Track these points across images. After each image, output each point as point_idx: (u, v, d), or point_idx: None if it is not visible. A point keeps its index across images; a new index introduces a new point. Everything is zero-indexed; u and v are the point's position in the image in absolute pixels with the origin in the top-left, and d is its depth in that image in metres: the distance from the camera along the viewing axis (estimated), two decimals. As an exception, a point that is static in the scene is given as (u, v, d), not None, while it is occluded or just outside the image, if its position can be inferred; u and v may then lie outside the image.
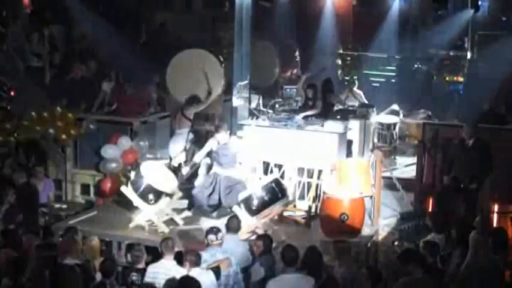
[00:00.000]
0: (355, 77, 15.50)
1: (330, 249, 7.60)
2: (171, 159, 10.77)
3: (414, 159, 12.24)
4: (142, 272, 7.55)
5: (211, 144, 9.94)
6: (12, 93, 12.09)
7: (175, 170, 10.47)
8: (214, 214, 9.92)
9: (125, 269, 8.01)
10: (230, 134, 10.11)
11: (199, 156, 10.06)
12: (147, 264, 7.76)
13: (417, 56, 17.00)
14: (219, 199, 9.85)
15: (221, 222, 8.91)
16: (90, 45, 14.05)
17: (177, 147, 10.80)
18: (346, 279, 6.96)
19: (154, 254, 8.13)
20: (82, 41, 14.61)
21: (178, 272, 7.31)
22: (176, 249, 7.88)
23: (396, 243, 9.48)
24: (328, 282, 6.85)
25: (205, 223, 9.63)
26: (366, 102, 13.93)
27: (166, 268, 7.45)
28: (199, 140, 10.73)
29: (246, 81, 12.31)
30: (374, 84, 17.13)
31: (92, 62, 13.45)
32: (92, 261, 8.00)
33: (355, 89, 14.63)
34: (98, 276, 7.49)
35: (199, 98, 11.43)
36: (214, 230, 7.88)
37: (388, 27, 16.78)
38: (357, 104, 13.51)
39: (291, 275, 6.76)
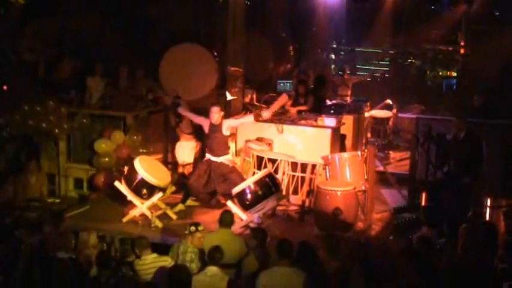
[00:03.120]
0: (348, 72, 15.54)
1: (322, 244, 7.61)
2: (178, 165, 10.97)
3: (407, 154, 12.28)
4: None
5: (204, 123, 9.78)
6: (4, 87, 12.05)
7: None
8: (212, 202, 9.95)
9: (117, 262, 8.01)
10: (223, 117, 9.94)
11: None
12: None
13: (411, 50, 17.03)
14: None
15: (217, 215, 8.93)
16: (82, 40, 13.98)
17: (185, 155, 10.90)
18: (339, 274, 6.96)
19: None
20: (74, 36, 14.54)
21: (163, 261, 7.45)
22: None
23: (391, 237, 9.50)
24: (320, 277, 6.86)
25: (200, 217, 9.67)
26: (359, 96, 14.01)
27: (147, 263, 7.53)
28: None
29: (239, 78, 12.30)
30: (367, 79, 17.16)
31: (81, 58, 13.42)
32: (85, 255, 7.99)
33: (346, 76, 14.64)
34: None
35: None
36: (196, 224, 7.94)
37: (382, 21, 16.80)
38: (349, 92, 13.53)
39: (283, 268, 6.75)
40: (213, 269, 7.08)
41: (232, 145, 10.52)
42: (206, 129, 9.74)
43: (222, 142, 9.72)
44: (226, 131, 9.70)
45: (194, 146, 11.23)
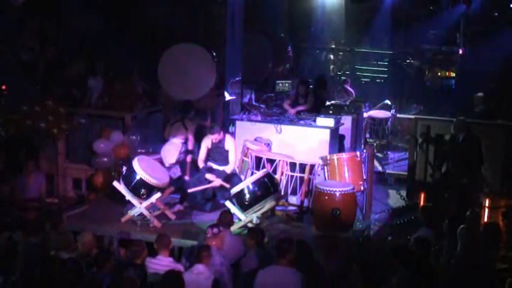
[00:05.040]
0: (347, 72, 15.55)
1: (318, 244, 7.61)
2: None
3: (406, 154, 12.30)
4: (141, 267, 7.49)
5: (206, 144, 10.16)
6: (3, 87, 12.02)
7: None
8: (207, 207, 9.96)
9: (120, 264, 7.94)
10: (224, 132, 10.20)
11: (200, 160, 10.20)
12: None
13: (409, 51, 17.04)
14: (214, 193, 9.92)
15: (214, 216, 8.93)
16: (83, 40, 13.96)
17: (170, 158, 10.84)
18: (335, 274, 6.97)
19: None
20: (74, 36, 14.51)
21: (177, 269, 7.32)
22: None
23: (389, 238, 9.51)
24: (317, 277, 6.86)
25: (198, 217, 9.69)
26: (357, 98, 14.02)
27: (162, 265, 7.43)
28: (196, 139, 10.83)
29: (238, 78, 12.29)
30: (366, 79, 17.19)
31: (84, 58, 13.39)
32: (84, 255, 7.98)
33: (347, 86, 14.68)
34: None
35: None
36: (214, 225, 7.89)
37: (381, 22, 16.81)
38: (348, 100, 13.58)
39: (281, 267, 6.76)
40: (199, 267, 7.06)
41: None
42: (209, 145, 10.13)
43: (224, 154, 10.10)
44: (227, 147, 10.08)
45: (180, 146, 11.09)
